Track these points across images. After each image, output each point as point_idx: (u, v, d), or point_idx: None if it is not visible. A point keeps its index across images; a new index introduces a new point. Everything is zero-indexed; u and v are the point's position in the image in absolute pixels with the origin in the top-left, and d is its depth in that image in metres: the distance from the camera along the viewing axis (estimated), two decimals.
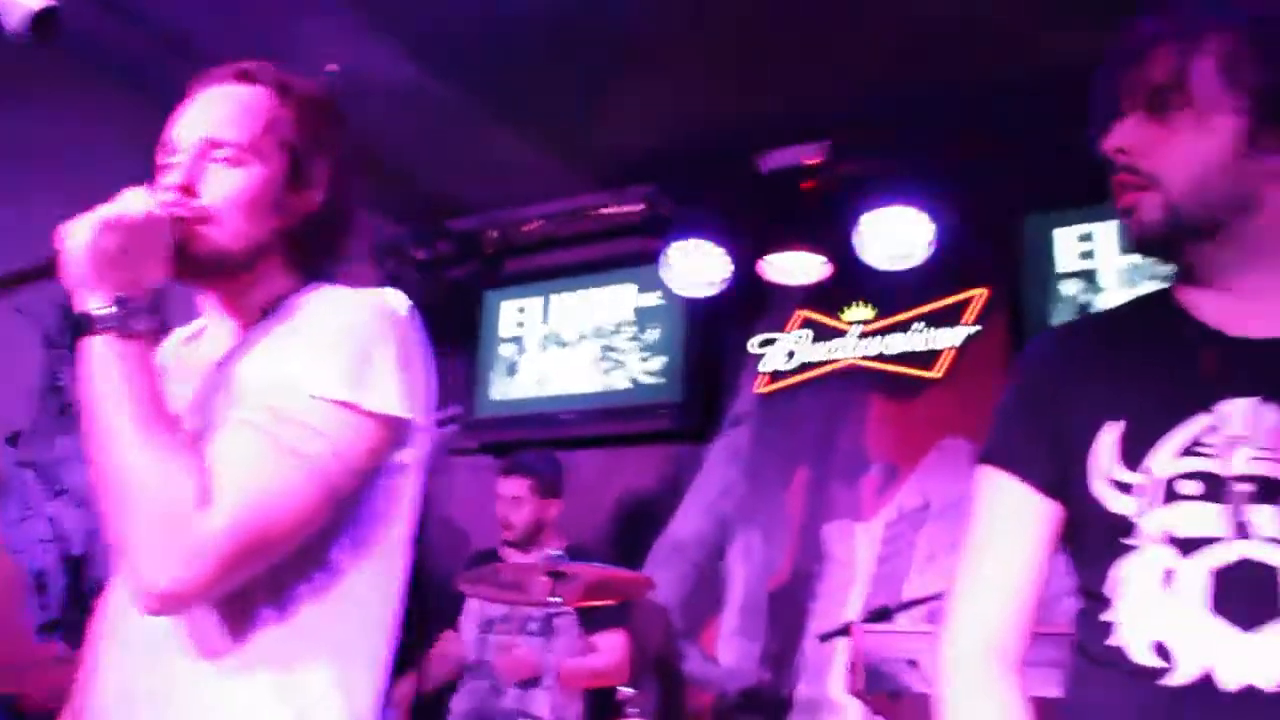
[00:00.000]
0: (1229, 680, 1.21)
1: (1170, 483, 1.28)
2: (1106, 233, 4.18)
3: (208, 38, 3.69)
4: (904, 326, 4.42)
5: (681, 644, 4.63)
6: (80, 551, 4.27)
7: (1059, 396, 1.39)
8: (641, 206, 4.90)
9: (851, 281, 4.46)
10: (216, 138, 1.41)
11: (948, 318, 4.33)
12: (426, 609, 4.40)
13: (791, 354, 4.64)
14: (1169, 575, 1.26)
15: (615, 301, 5.12)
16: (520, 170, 4.85)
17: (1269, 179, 1.30)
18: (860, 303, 4.54)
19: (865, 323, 4.52)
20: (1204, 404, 1.29)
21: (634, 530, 4.84)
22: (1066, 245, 4.21)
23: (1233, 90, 1.29)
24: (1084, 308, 4.19)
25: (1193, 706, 1.22)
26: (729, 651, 4.55)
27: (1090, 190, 4.06)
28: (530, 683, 3.82)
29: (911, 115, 3.95)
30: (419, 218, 5.34)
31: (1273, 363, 1.30)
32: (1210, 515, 1.25)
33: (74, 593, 4.08)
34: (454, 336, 5.42)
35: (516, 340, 5.37)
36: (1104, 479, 1.32)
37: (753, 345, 4.73)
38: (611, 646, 3.96)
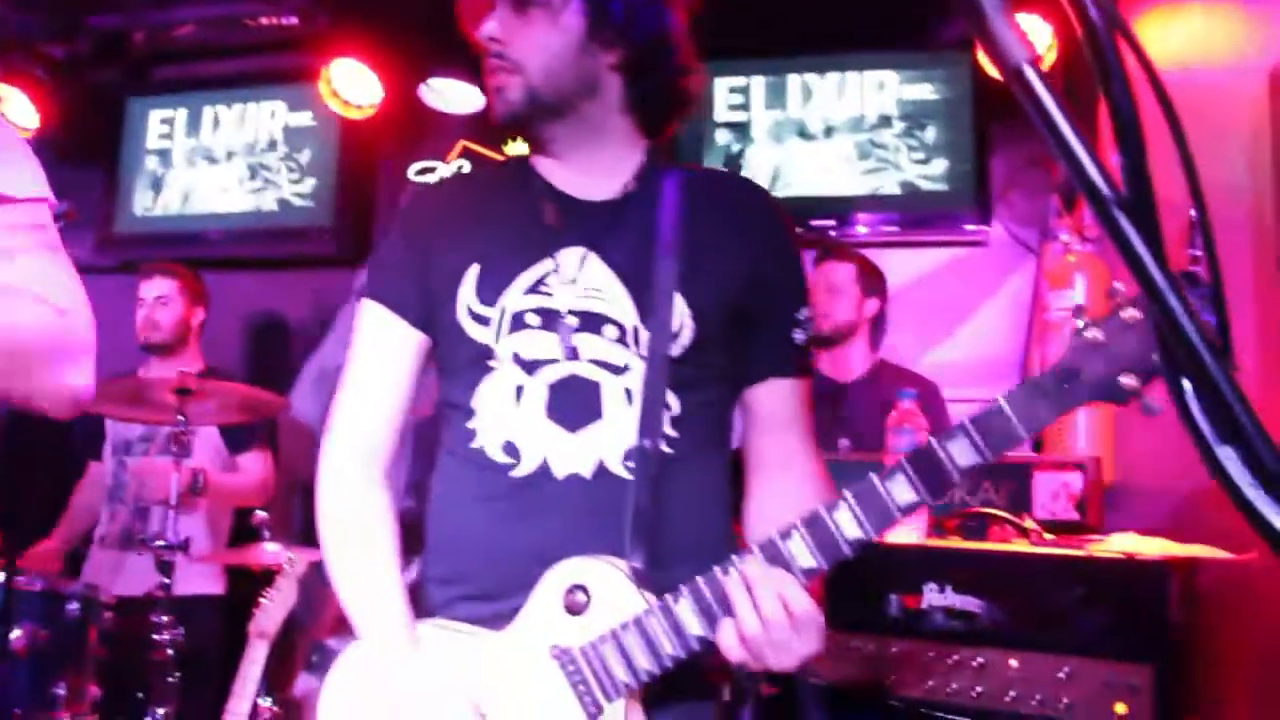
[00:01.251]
0: (559, 470, 1.50)
1: (518, 315, 1.53)
2: (759, 87, 4.31)
3: None
4: None
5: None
6: None
7: (430, 244, 1.61)
8: (296, 20, 4.62)
9: None
10: None
11: None
12: (66, 442, 4.17)
13: None
14: (519, 390, 1.53)
15: (267, 119, 4.86)
16: None
17: (606, 70, 1.55)
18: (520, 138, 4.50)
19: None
20: (548, 251, 1.55)
21: (281, 356, 4.73)
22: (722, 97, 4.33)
23: None
24: (736, 157, 4.34)
25: (533, 491, 1.50)
26: None
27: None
28: (173, 503, 3.71)
29: None
30: (54, 9, 4.84)
31: (598, 220, 1.57)
32: (548, 341, 1.52)
33: None
34: (92, 146, 5.02)
35: (162, 153, 5.02)
36: (466, 312, 1.55)
37: (411, 172, 4.62)
38: (251, 466, 3.90)
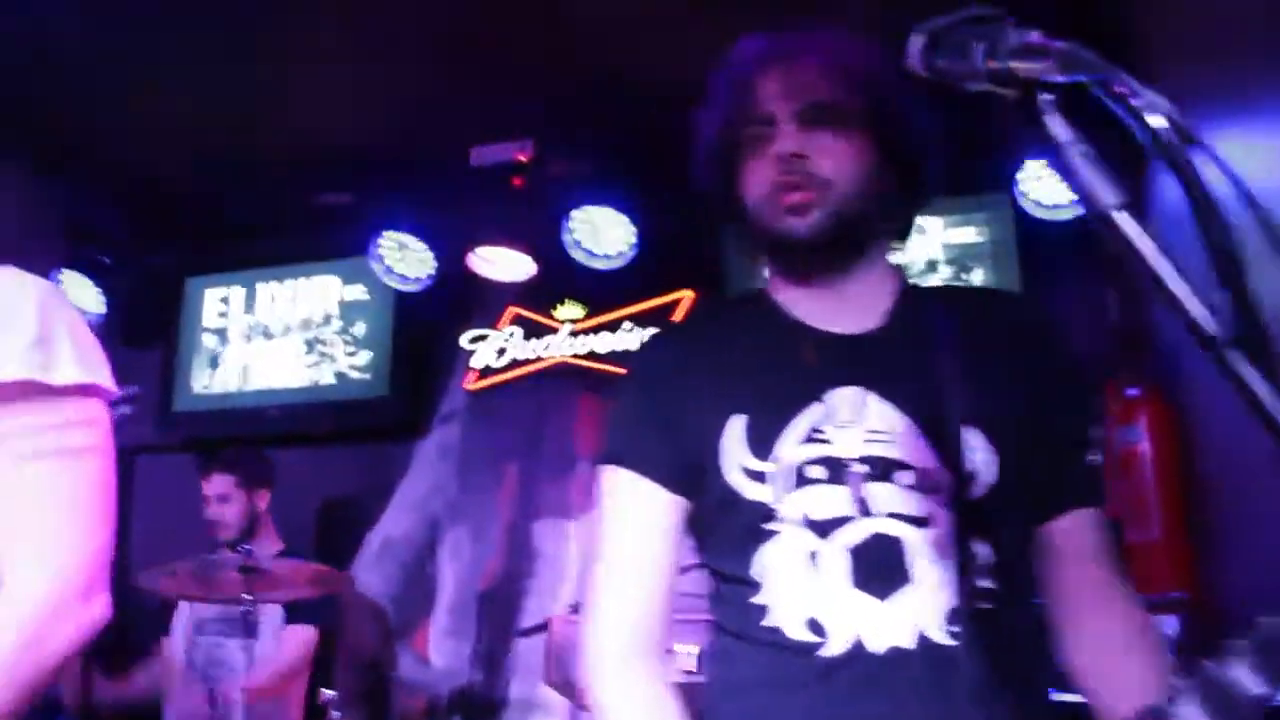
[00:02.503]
0: (876, 645, 1.32)
1: (799, 469, 1.37)
2: None
3: None
4: (614, 326, 4.46)
5: (395, 647, 4.54)
6: None
7: (675, 395, 1.46)
8: (348, 197, 4.75)
9: (562, 280, 4.47)
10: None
11: (655, 318, 4.38)
12: (132, 619, 4.15)
13: (502, 350, 4.61)
14: (814, 556, 1.35)
15: (321, 293, 4.96)
16: (223, 152, 4.61)
17: (888, 192, 1.46)
18: (571, 301, 4.56)
19: (576, 321, 4.54)
20: (815, 395, 1.40)
21: (342, 530, 4.71)
22: None
23: (870, 118, 1.44)
24: None
25: (847, 671, 1.32)
26: (441, 653, 4.48)
27: None
28: (223, 679, 3.68)
29: (613, 116, 3.98)
30: (116, 196, 5.01)
31: (865, 354, 1.44)
32: (838, 496, 1.36)
33: None
34: (151, 327, 5.14)
35: (219, 331, 5.12)
36: (738, 469, 1.39)
37: (464, 341, 4.67)
38: (290, 643, 3.84)
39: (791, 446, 1.38)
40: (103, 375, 1.44)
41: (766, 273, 1.56)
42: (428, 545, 4.61)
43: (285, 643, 3.84)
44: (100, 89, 4.06)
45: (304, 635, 3.87)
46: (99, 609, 1.38)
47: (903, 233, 1.56)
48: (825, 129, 1.43)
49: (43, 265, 1.39)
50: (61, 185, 4.79)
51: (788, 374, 1.43)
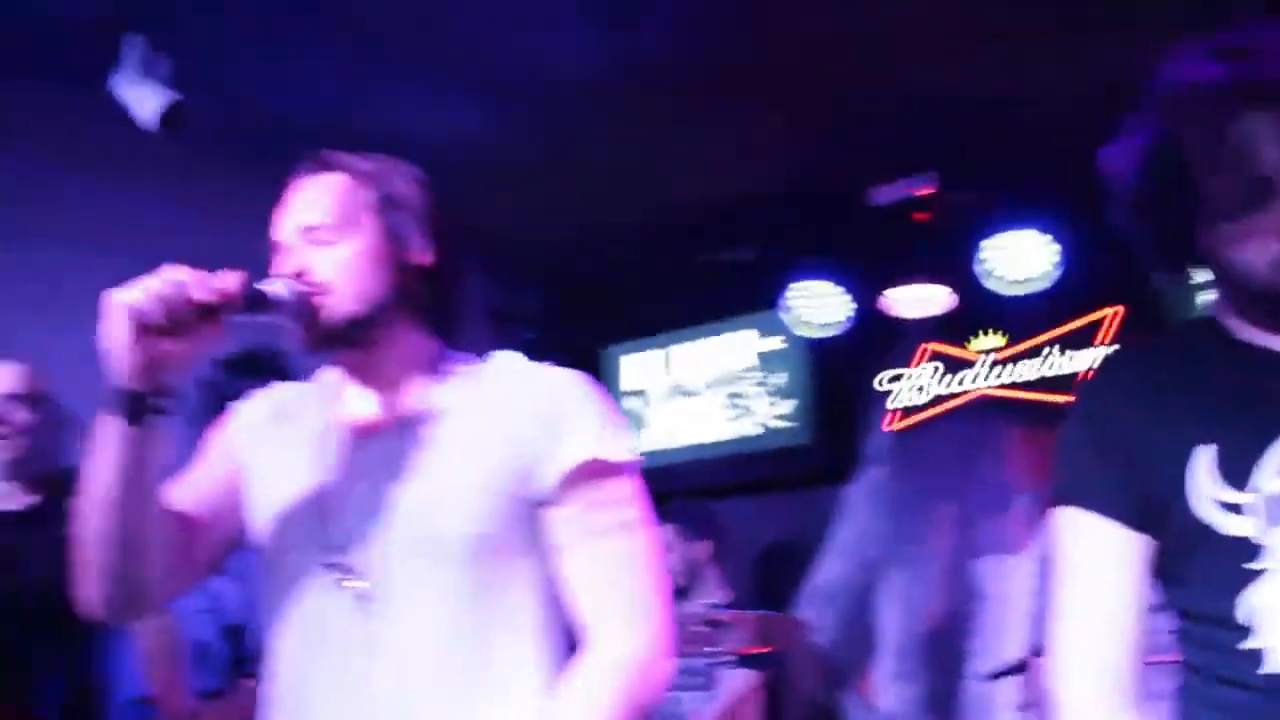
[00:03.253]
0: None
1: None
2: None
3: (302, 115, 3.84)
4: (1036, 352, 4.30)
5: (837, 693, 4.54)
6: (237, 622, 4.36)
7: (1131, 426, 1.36)
8: (752, 252, 4.86)
9: (977, 310, 4.36)
10: (309, 223, 1.52)
11: (1081, 340, 4.20)
12: None
13: (922, 388, 4.55)
14: None
15: (737, 347, 5.09)
16: (624, 223, 4.85)
17: None
18: (988, 331, 4.43)
19: (995, 351, 4.41)
20: None
21: (776, 578, 4.78)
22: None
23: None
24: None
25: None
26: (888, 697, 4.45)
27: None
28: None
29: (1022, 135, 3.85)
30: (531, 278, 5.38)
31: None
32: None
33: (234, 661, 4.16)
34: None
35: (640, 394, 5.36)
36: (1209, 501, 1.29)
37: (881, 382, 4.65)
38: (733, 691, 3.89)
39: (1270, 476, 1.27)
40: (634, 448, 1.56)
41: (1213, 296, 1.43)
42: (865, 590, 4.59)
43: (729, 692, 3.90)
44: (508, 181, 4.38)
45: (750, 681, 3.91)
46: (670, 668, 1.48)
47: None
48: None
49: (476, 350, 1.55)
50: (481, 275, 5.20)
51: (1259, 402, 1.31)
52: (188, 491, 1.56)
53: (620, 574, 1.47)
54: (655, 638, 1.45)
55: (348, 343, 1.51)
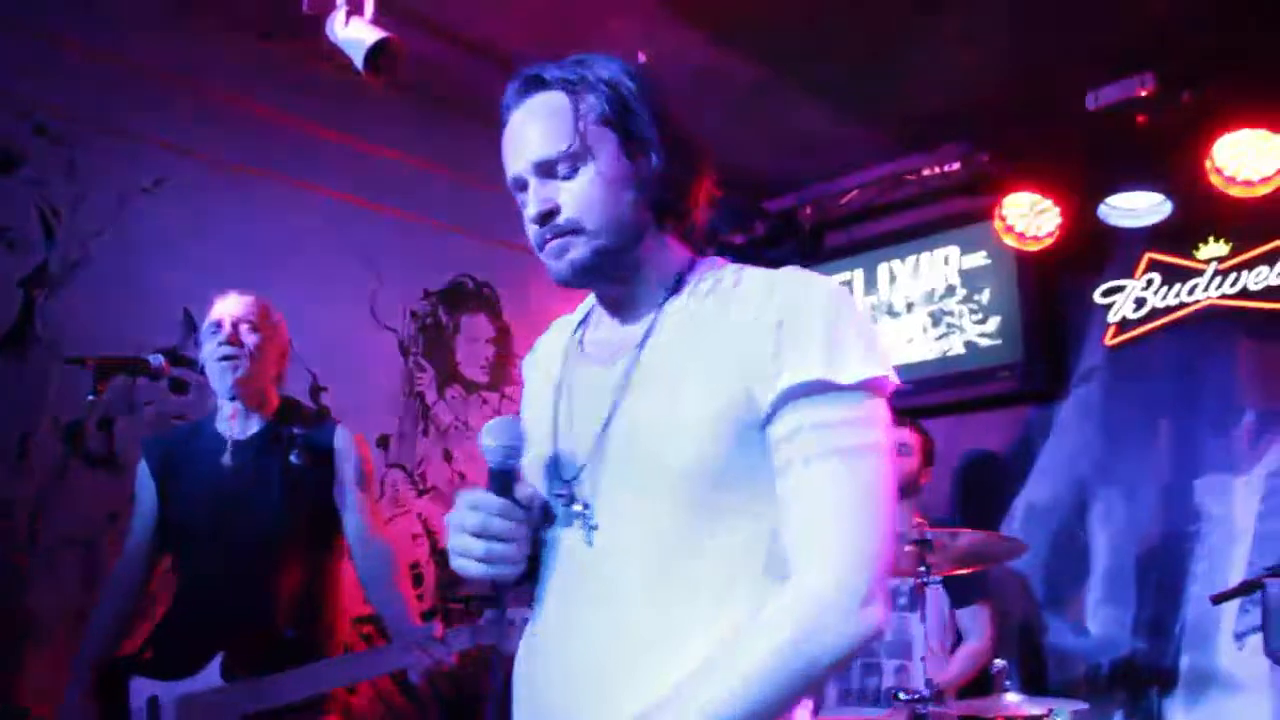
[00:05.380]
0: None
1: None
2: None
3: (520, 49, 3.84)
4: (1269, 259, 4.04)
5: (1045, 615, 4.43)
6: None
7: None
8: (958, 165, 4.71)
9: (1201, 217, 4.12)
10: (544, 158, 1.45)
11: None
12: None
13: (1141, 301, 4.34)
14: None
15: (941, 265, 4.96)
16: (829, 142, 4.78)
17: None
18: (1214, 238, 4.18)
19: (1222, 259, 4.16)
20: None
21: (984, 499, 4.68)
22: None
23: None
24: None
25: None
26: (1097, 621, 4.31)
27: None
28: (904, 655, 3.76)
29: (1245, 27, 3.59)
30: (733, 202, 5.36)
31: None
32: None
33: (444, 582, 4.36)
34: None
35: None
36: None
37: (1097, 296, 4.45)
38: (980, 626, 3.81)
39: None
40: (887, 368, 1.40)
41: None
42: (1075, 510, 4.45)
43: (977, 628, 3.82)
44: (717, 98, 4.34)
45: (988, 614, 3.84)
46: (874, 617, 1.32)
47: None
48: None
49: None
50: None
51: None
52: None
53: (829, 506, 1.33)
54: (856, 579, 1.31)
55: (603, 277, 1.49)
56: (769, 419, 1.37)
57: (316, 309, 3.99)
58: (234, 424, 2.85)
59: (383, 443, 4.31)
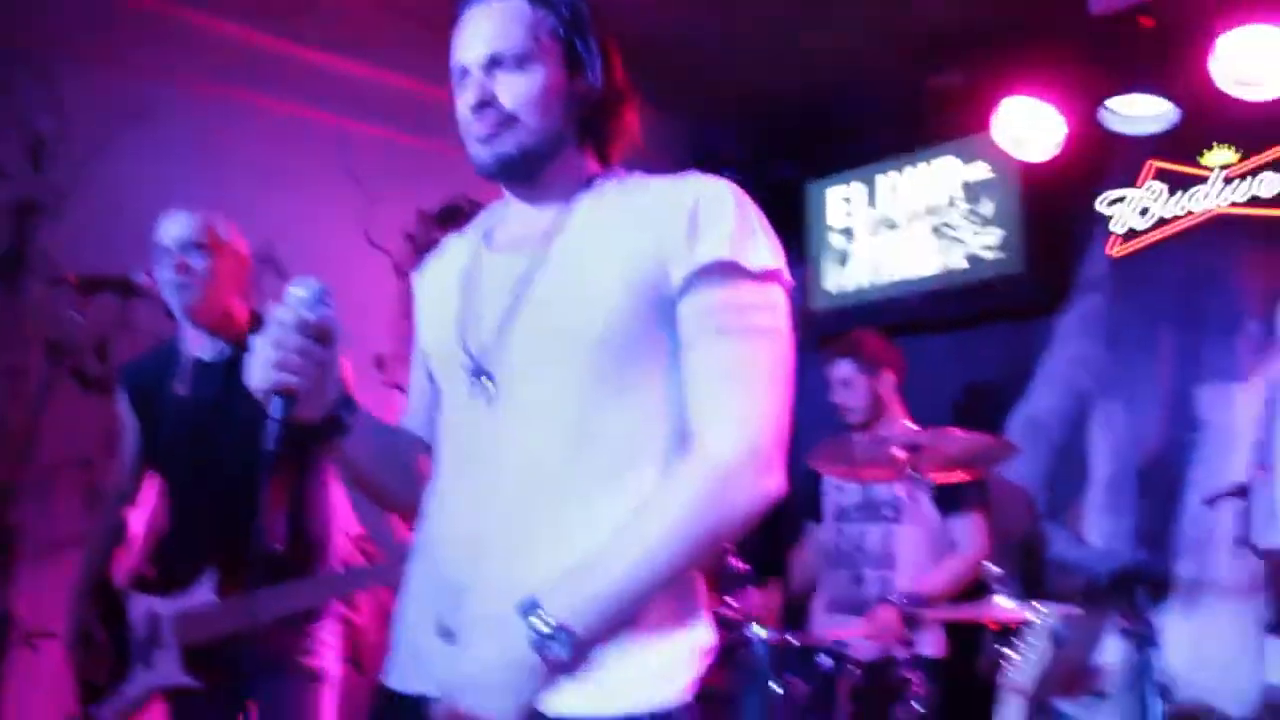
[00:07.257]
0: None
1: None
2: None
3: None
4: (1276, 165, 3.96)
5: (1045, 526, 4.43)
6: None
7: None
8: (959, 77, 4.62)
9: (1207, 122, 4.04)
10: (496, 52, 1.53)
11: None
12: (787, 505, 4.41)
13: (1146, 210, 4.28)
14: None
15: (942, 177, 4.90)
16: (828, 55, 4.69)
17: None
18: (1220, 144, 4.11)
19: (1229, 166, 4.09)
20: None
21: (986, 412, 4.66)
22: None
23: None
24: None
25: None
26: (1097, 531, 4.32)
27: None
28: (888, 566, 3.78)
29: None
30: (732, 118, 5.29)
31: None
32: None
33: None
34: (781, 233, 5.35)
35: (845, 230, 5.25)
36: None
37: (1100, 205, 4.39)
38: (970, 537, 3.79)
39: None
40: (784, 265, 1.51)
41: None
42: (1076, 420, 4.43)
43: (965, 535, 3.80)
44: (705, 20, 4.27)
45: (980, 524, 3.80)
46: (776, 482, 1.43)
47: None
48: None
49: None
50: (684, 119, 5.15)
51: None
52: (419, 408, 1.71)
53: (732, 377, 1.43)
54: (754, 447, 1.40)
55: (521, 174, 1.56)
56: (680, 294, 1.45)
57: (309, 232, 3.99)
58: (197, 347, 2.84)
59: (378, 364, 4.33)
